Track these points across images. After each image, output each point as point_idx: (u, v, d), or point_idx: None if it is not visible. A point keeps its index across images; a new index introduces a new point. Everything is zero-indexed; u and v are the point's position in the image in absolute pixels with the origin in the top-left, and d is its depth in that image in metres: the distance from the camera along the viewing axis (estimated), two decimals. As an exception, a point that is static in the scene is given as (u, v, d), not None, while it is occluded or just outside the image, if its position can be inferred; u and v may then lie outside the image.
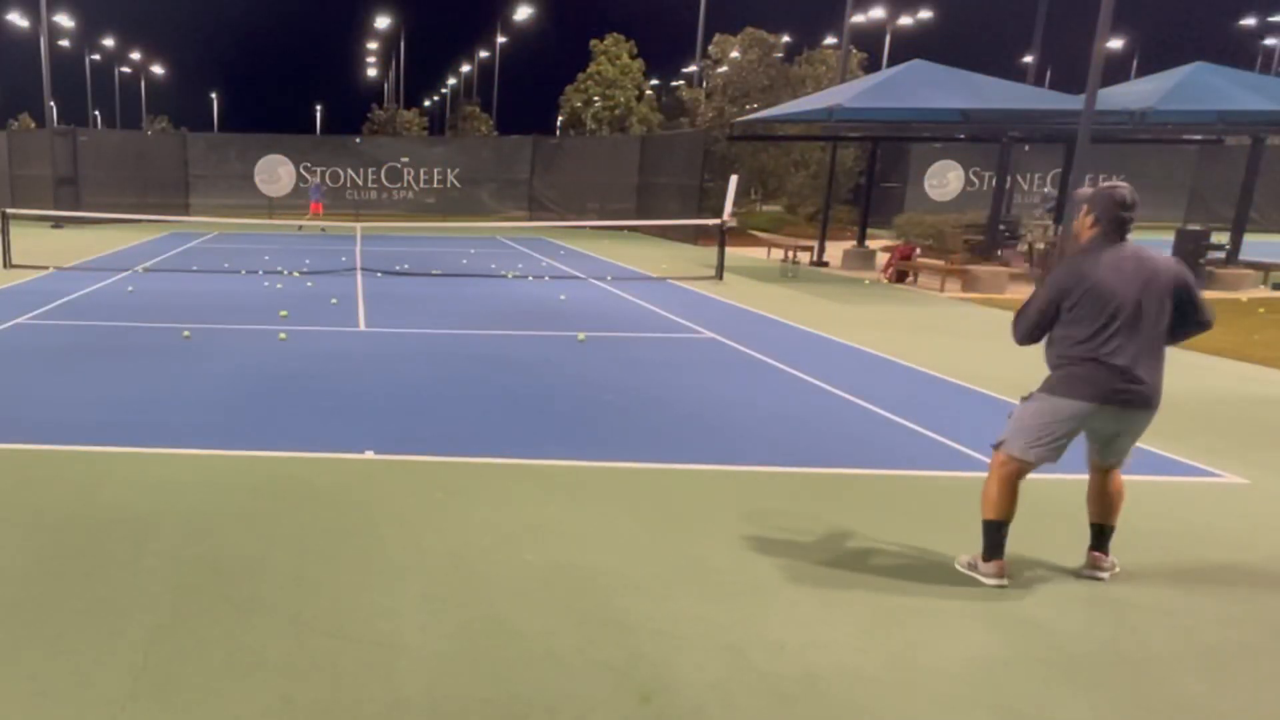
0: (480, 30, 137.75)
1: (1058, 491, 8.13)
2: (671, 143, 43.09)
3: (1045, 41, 39.23)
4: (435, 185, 49.90)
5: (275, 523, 7.54)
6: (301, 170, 48.39)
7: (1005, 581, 6.55)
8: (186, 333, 15.29)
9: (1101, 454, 6.66)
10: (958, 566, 6.78)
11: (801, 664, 5.46)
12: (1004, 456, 6.66)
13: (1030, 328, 6.63)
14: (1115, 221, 6.30)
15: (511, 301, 20.01)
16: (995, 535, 6.62)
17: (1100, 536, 6.78)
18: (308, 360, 13.64)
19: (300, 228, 39.52)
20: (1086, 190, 6.55)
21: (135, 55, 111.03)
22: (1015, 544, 6.92)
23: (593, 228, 42.20)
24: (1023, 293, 22.25)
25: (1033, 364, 13.58)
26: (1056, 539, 7.27)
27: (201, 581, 6.44)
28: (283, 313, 17.44)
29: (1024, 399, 6.71)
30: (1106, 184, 6.50)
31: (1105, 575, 6.68)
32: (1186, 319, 6.32)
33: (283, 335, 15.39)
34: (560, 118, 76.71)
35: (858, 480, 8.74)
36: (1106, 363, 6.21)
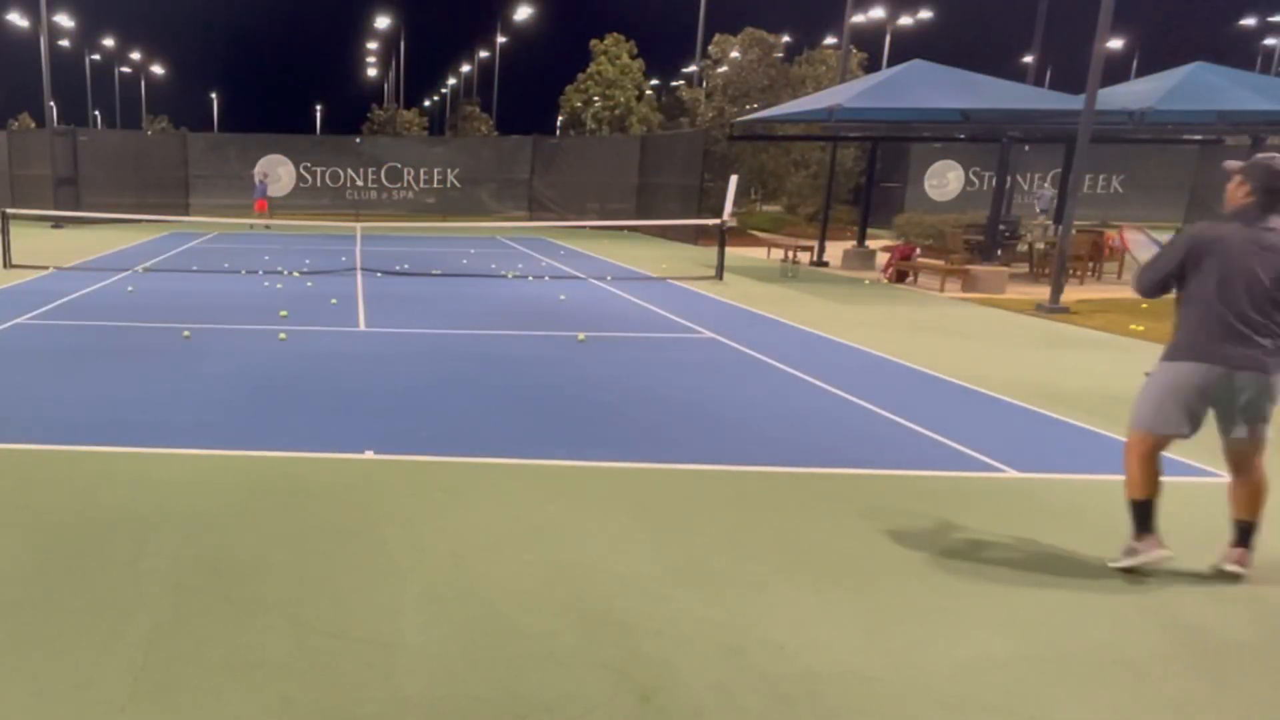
0: (480, 30, 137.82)
1: (1061, 491, 8.14)
2: (671, 143, 43.08)
3: (1045, 41, 39.24)
4: (435, 185, 49.86)
5: (275, 523, 7.54)
6: (302, 170, 48.40)
7: (1163, 553, 6.72)
8: (187, 333, 15.29)
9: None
10: (1113, 566, 6.83)
11: (801, 664, 5.46)
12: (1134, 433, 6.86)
13: (1150, 282, 6.78)
14: (1271, 193, 6.35)
15: (511, 301, 20.02)
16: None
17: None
18: (308, 360, 13.66)
19: (251, 227, 39.53)
20: (1236, 163, 6.60)
21: (135, 55, 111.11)
22: (1014, 544, 6.95)
23: (593, 228, 42.20)
24: (1023, 292, 22.29)
25: (1032, 364, 13.60)
26: (1057, 539, 7.28)
27: (201, 581, 6.44)
28: (283, 313, 17.41)
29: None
30: (1264, 155, 6.49)
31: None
32: None
33: (283, 335, 15.38)
34: (560, 118, 76.75)
35: (858, 480, 8.74)
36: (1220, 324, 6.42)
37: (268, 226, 39.82)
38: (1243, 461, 6.69)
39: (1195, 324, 6.55)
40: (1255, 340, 6.32)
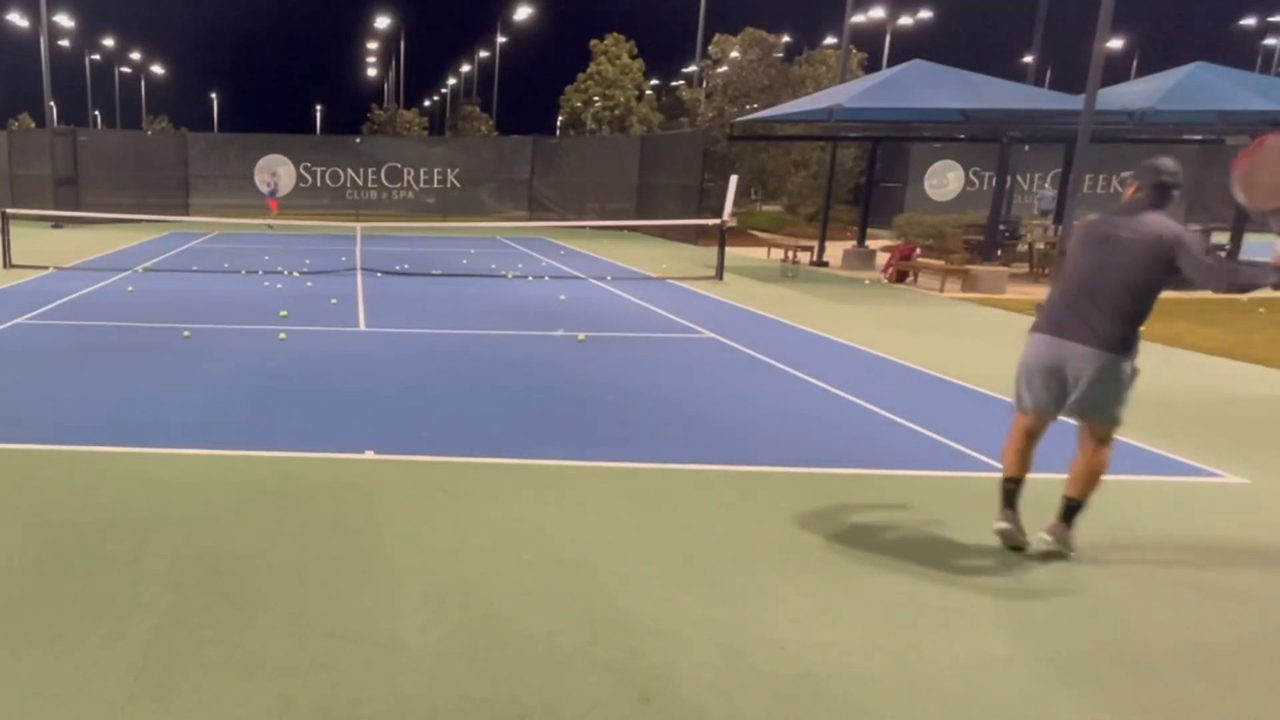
0: (480, 30, 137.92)
1: (1061, 490, 8.14)
2: (671, 143, 43.07)
3: (1045, 41, 39.26)
4: (435, 185, 49.90)
5: (275, 522, 7.54)
6: (302, 170, 48.36)
7: (1003, 525, 7.20)
8: (187, 333, 15.29)
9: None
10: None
11: (801, 664, 5.46)
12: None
13: None
14: (1156, 187, 6.87)
15: (511, 301, 20.03)
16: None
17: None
18: (308, 360, 13.66)
19: (266, 226, 39.41)
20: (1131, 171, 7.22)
21: (135, 55, 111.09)
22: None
23: (593, 228, 42.21)
24: (1023, 292, 22.29)
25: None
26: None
27: (201, 581, 6.45)
28: (283, 313, 17.36)
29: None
30: (1153, 157, 7.08)
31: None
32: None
33: (283, 335, 15.39)
34: (560, 118, 76.71)
35: (858, 480, 8.74)
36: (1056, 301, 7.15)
37: (269, 226, 39.72)
38: (1081, 439, 7.06)
39: (1050, 298, 7.24)
40: (1095, 318, 6.81)
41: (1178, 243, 6.57)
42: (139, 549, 6.95)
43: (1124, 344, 6.71)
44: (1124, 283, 6.69)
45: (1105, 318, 6.72)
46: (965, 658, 5.55)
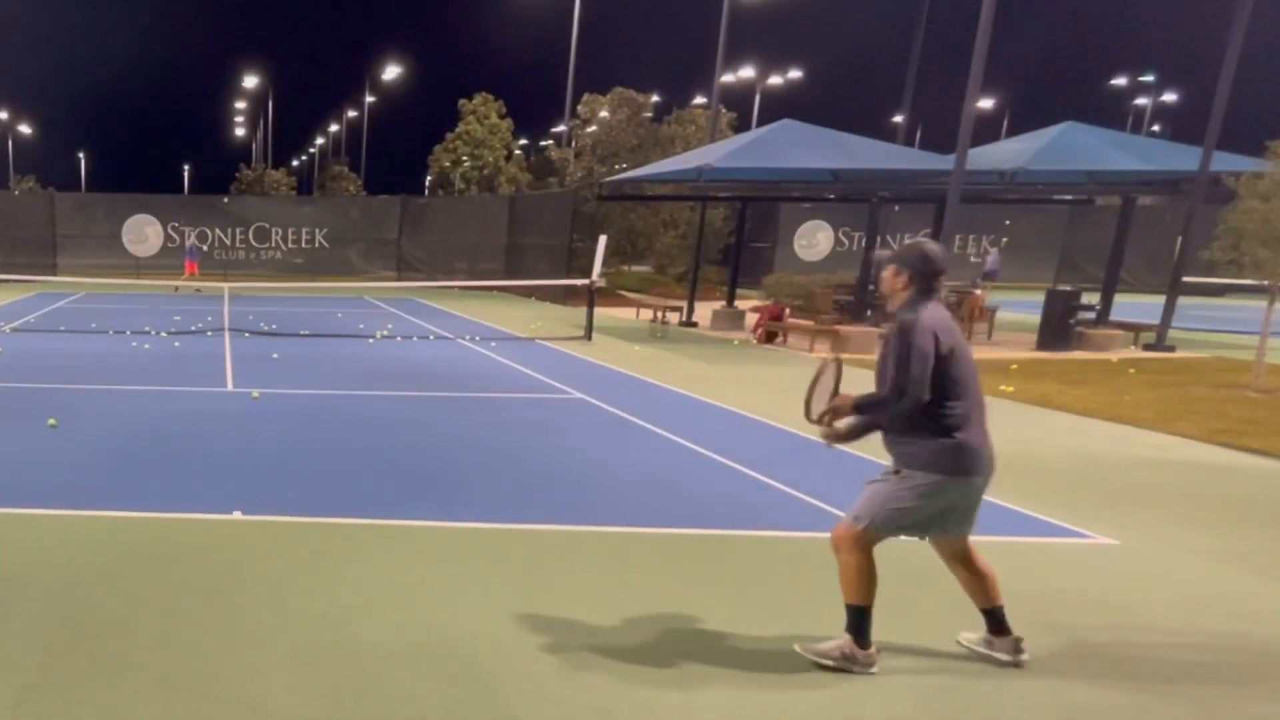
0: (349, 90, 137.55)
1: (929, 551, 8.13)
2: (540, 203, 43.24)
3: (916, 101, 40.02)
4: (303, 245, 49.64)
5: (143, 583, 7.46)
6: (170, 230, 47.65)
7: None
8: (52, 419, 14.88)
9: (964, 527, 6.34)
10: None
11: (676, 728, 5.40)
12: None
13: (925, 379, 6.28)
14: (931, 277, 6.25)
15: (379, 362, 19.86)
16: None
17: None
18: (176, 421, 13.47)
19: (176, 289, 38.53)
20: (886, 253, 6.41)
21: (1, 114, 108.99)
22: (889, 605, 6.94)
23: (461, 288, 42.05)
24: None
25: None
26: (932, 600, 7.25)
27: (69, 642, 6.38)
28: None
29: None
30: (912, 241, 6.34)
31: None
32: None
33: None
34: (429, 177, 76.68)
35: (727, 541, 8.75)
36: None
37: (193, 290, 38.70)
38: (971, 550, 6.49)
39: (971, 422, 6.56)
40: None
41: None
42: (6, 609, 6.91)
43: None
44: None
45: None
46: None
